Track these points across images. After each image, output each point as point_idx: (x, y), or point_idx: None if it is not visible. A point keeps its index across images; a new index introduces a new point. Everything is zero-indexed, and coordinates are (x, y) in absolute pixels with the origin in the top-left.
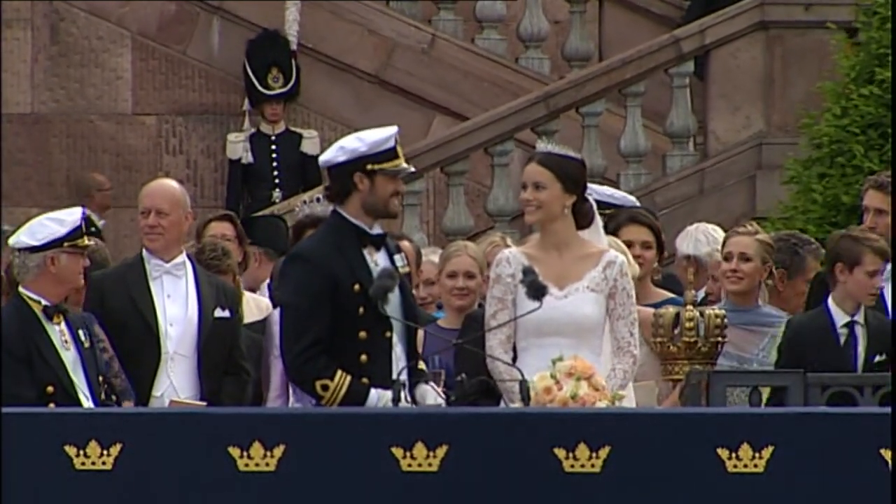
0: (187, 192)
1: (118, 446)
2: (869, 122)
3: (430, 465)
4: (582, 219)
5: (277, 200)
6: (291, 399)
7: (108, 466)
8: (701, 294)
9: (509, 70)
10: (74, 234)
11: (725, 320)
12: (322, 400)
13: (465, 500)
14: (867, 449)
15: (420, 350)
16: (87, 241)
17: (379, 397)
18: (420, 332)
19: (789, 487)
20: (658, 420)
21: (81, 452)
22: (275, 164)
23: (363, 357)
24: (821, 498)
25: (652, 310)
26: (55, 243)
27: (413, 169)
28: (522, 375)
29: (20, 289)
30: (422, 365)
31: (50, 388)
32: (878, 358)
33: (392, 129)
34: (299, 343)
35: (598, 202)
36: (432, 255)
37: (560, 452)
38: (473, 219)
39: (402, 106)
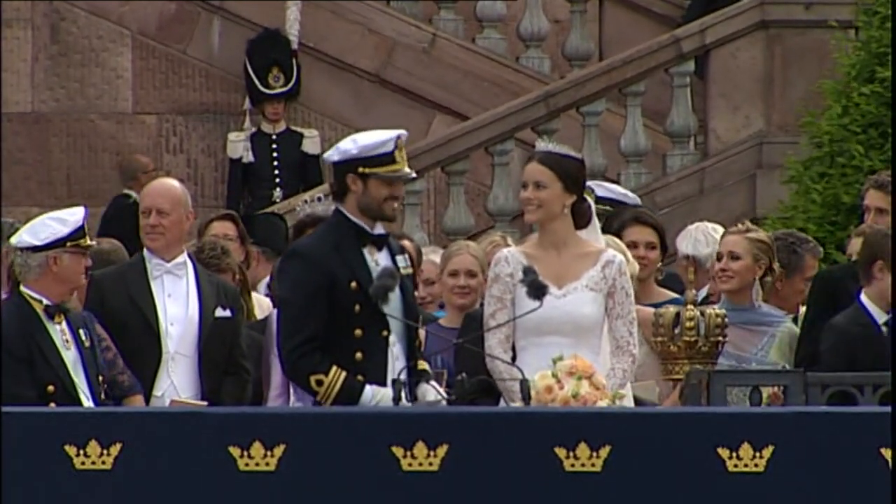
0: (188, 191)
1: (118, 446)
2: (869, 122)
3: (430, 464)
4: (580, 218)
5: (278, 200)
6: (292, 398)
7: (108, 466)
8: (703, 293)
9: (510, 69)
10: (77, 233)
11: (726, 320)
12: (317, 396)
13: (466, 500)
14: (867, 448)
15: (423, 349)
16: (89, 241)
17: (373, 394)
18: (422, 333)
19: (790, 487)
20: (658, 419)
21: (81, 452)
22: (275, 163)
23: (358, 355)
24: (821, 497)
25: (653, 309)
26: (58, 243)
27: (412, 174)
28: (523, 374)
29: (21, 288)
30: (424, 365)
31: (51, 388)
32: None
33: (391, 134)
34: (295, 339)
35: (607, 200)
36: (433, 255)
37: (561, 452)
38: (474, 218)
39: (402, 105)
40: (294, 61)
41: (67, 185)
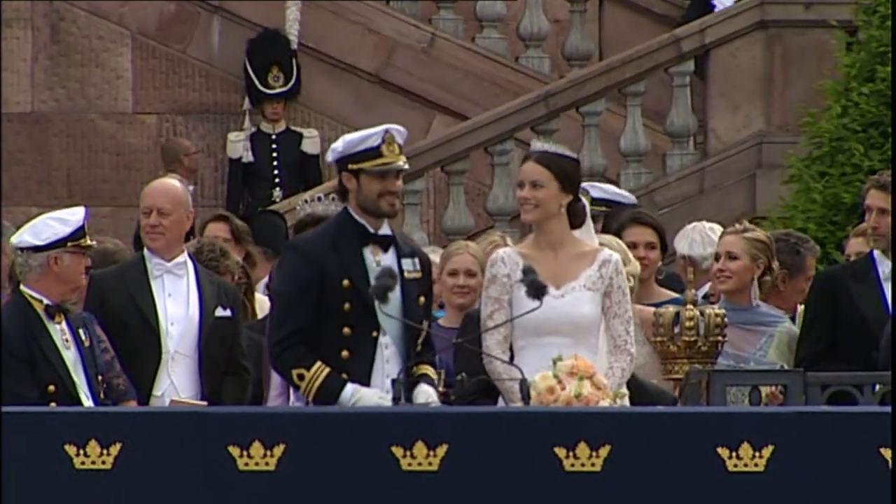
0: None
1: (118, 446)
2: (869, 121)
3: (430, 464)
4: (575, 218)
5: (278, 200)
6: (292, 398)
7: (108, 466)
8: (700, 294)
9: (509, 69)
10: (77, 233)
11: (725, 319)
12: (299, 390)
13: (466, 500)
14: (867, 448)
15: (434, 354)
16: (89, 241)
17: (353, 392)
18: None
19: (789, 486)
20: (658, 419)
21: (81, 452)
22: (275, 163)
23: (345, 353)
24: (821, 497)
25: (653, 309)
26: (58, 243)
27: (403, 166)
28: (522, 374)
29: (22, 287)
30: (426, 369)
31: (51, 388)
32: None
33: (377, 129)
34: (281, 331)
35: (602, 200)
36: (432, 255)
37: (560, 451)
38: (473, 218)
39: (402, 105)
40: (294, 61)
41: (67, 185)
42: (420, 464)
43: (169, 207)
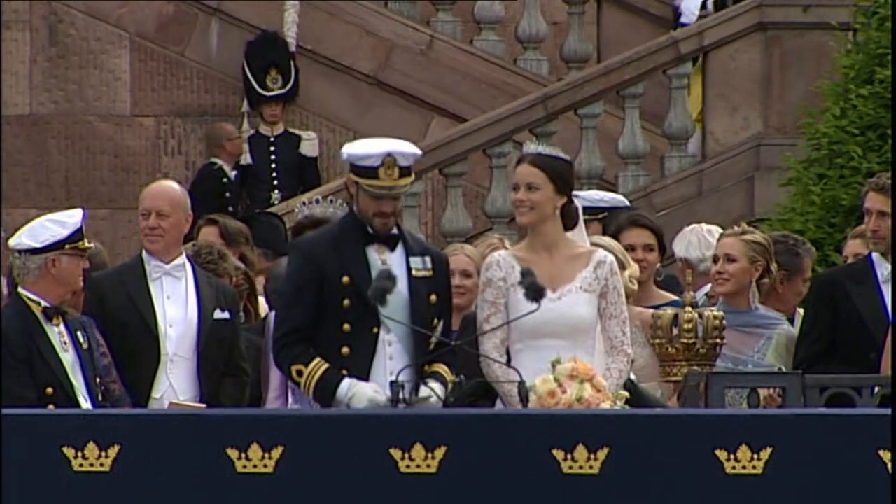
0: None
1: (116, 448)
2: (868, 123)
3: (428, 466)
4: (569, 220)
5: (276, 202)
6: (290, 400)
7: (107, 468)
8: (701, 294)
9: (507, 71)
10: (75, 236)
11: (724, 322)
12: (299, 386)
13: (464, 502)
14: (866, 450)
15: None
16: (87, 244)
17: (349, 387)
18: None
19: (788, 489)
20: (656, 421)
21: (79, 454)
22: (273, 165)
23: (345, 349)
24: (819, 499)
25: (652, 311)
26: (56, 245)
27: (400, 190)
28: (520, 377)
29: (20, 290)
30: (440, 368)
31: (49, 390)
32: None
33: (380, 149)
34: (281, 329)
35: (587, 208)
36: None
37: (558, 453)
38: (472, 220)
39: (400, 107)
40: (292, 63)
41: (66, 186)
42: (418, 466)
43: (168, 209)
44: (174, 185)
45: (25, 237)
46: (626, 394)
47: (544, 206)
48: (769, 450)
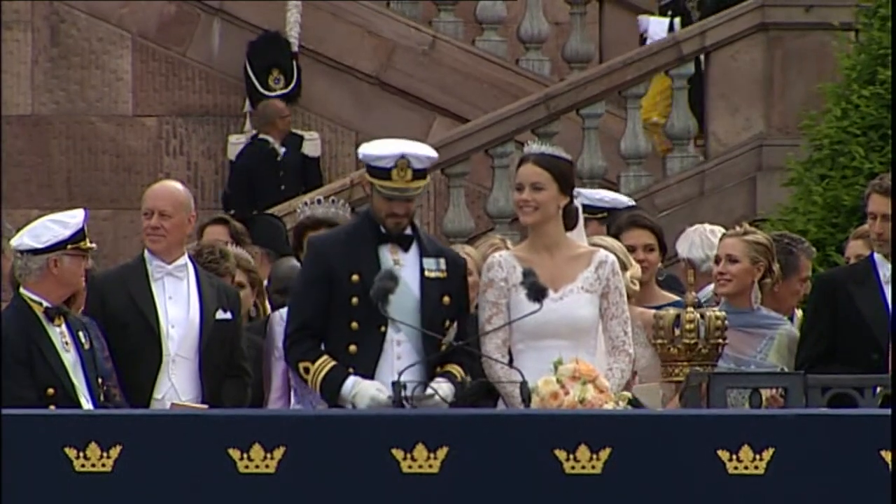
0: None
1: (118, 448)
2: (870, 124)
3: (430, 466)
4: (569, 220)
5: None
6: (292, 401)
7: (108, 468)
8: (704, 294)
9: (510, 72)
10: (77, 236)
11: (726, 322)
12: (306, 383)
13: (466, 502)
14: (867, 451)
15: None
16: (89, 244)
17: (353, 384)
18: (448, 335)
19: (790, 489)
20: (659, 421)
21: (81, 454)
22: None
23: (352, 347)
24: (821, 500)
25: (654, 311)
26: (58, 246)
27: (413, 193)
28: (522, 377)
29: (21, 290)
30: (452, 368)
31: (50, 390)
32: None
33: (394, 150)
34: (291, 325)
35: (587, 207)
36: None
37: (561, 454)
38: (474, 220)
39: (402, 107)
40: (294, 63)
41: (67, 187)
42: (420, 466)
43: (170, 210)
44: (177, 185)
45: (27, 237)
46: (629, 394)
47: (548, 206)
48: (771, 450)
